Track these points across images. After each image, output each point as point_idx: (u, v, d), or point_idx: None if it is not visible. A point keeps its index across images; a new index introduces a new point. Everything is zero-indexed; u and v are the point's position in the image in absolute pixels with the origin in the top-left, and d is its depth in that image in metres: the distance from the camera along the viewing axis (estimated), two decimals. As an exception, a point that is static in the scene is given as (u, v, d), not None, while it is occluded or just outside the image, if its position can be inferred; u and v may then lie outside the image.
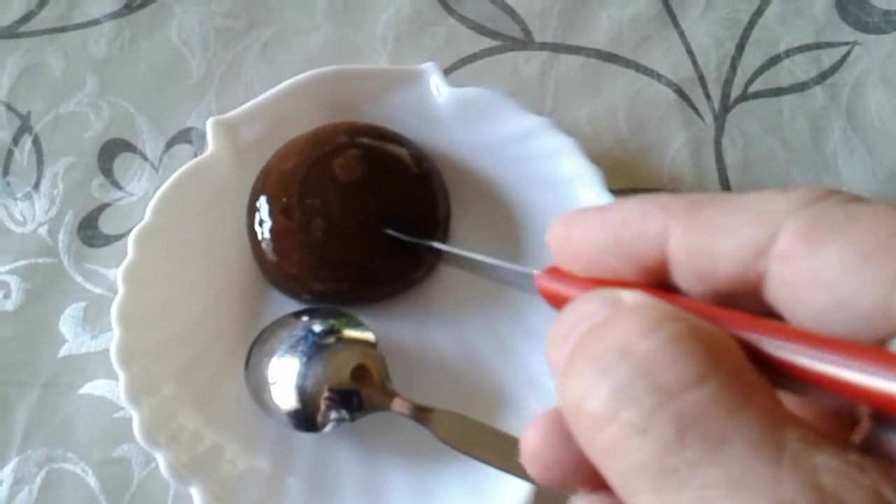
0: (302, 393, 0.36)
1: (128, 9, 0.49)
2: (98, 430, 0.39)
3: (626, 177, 0.44)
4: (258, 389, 0.37)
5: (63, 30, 0.49)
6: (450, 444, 0.34)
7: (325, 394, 0.36)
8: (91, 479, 0.38)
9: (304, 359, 0.37)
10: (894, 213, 0.15)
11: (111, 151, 0.45)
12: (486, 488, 0.35)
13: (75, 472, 0.38)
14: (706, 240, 0.17)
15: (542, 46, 0.47)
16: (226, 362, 0.38)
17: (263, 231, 0.39)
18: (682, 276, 0.17)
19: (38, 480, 0.38)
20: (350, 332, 0.38)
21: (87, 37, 0.48)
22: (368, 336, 0.38)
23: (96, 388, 0.40)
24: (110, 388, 0.40)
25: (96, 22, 0.49)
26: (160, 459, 0.34)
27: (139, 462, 0.38)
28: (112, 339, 0.35)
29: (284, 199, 0.39)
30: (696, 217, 0.17)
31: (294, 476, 0.36)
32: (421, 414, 0.35)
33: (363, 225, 0.39)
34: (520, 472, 0.32)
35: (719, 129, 0.45)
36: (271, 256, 0.39)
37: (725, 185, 0.43)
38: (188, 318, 0.38)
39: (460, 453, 0.34)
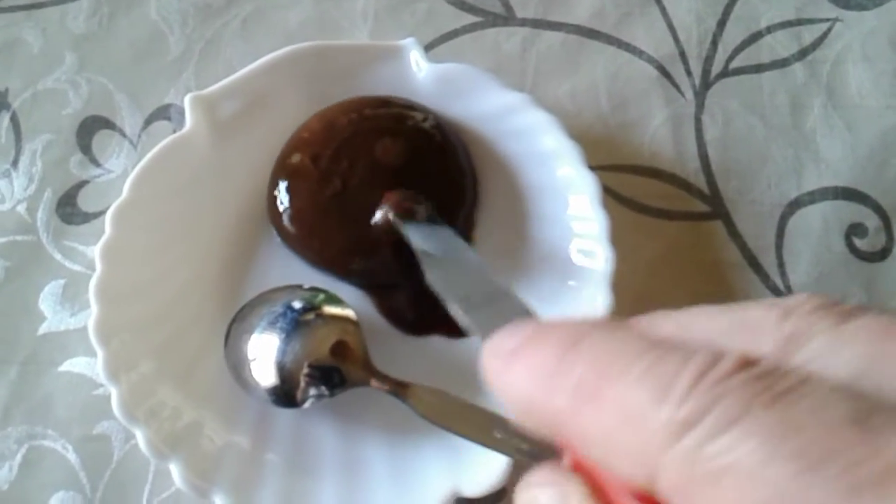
0: (281, 369, 0.36)
1: (106, -16, 0.48)
2: (78, 407, 0.39)
3: (607, 153, 0.44)
4: (237, 366, 0.37)
5: (41, 6, 0.48)
6: (428, 419, 0.34)
7: (305, 370, 0.36)
8: (71, 456, 0.38)
9: (284, 335, 0.37)
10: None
11: (90, 128, 0.45)
12: (464, 462, 0.35)
13: (55, 449, 0.39)
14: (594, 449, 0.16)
15: (524, 22, 0.47)
16: (205, 339, 0.38)
17: (287, 160, 0.40)
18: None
19: (19, 457, 0.38)
20: (330, 309, 0.38)
21: (65, 13, 0.48)
22: (349, 313, 0.38)
23: (76, 365, 0.40)
24: (90, 365, 0.40)
25: (74, -2, 0.48)
26: (139, 436, 0.34)
27: (119, 439, 0.39)
28: (90, 317, 0.35)
29: (321, 146, 0.40)
30: (579, 417, 0.16)
31: (274, 452, 0.36)
32: (400, 389, 0.35)
33: (371, 209, 0.39)
34: (497, 447, 0.33)
35: (699, 106, 0.45)
36: (280, 191, 0.40)
37: (705, 162, 0.44)
38: (167, 295, 0.38)
39: (439, 428, 0.34)
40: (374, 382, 0.36)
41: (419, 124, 0.41)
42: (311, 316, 0.37)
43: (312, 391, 0.36)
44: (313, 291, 0.38)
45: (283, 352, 0.36)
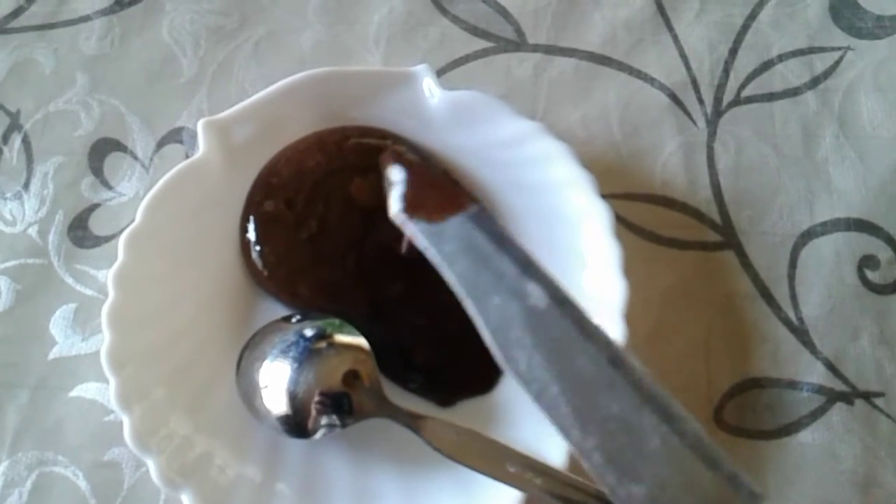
0: (293, 398, 0.36)
1: (119, 5, 0.48)
2: (88, 434, 0.39)
3: (619, 182, 0.44)
4: (249, 394, 0.37)
5: (53, 26, 0.48)
6: (442, 453, 0.34)
7: (316, 399, 0.36)
8: (82, 483, 0.38)
9: (296, 364, 0.36)
10: None
11: (101, 151, 0.45)
12: (476, 497, 0.35)
13: (66, 476, 0.38)
14: None
15: (536, 48, 0.47)
16: (217, 368, 0.38)
17: (261, 207, 0.40)
18: None
19: (29, 484, 0.38)
20: (342, 338, 0.38)
21: (77, 34, 0.48)
22: (361, 342, 0.38)
23: (87, 390, 0.40)
24: (101, 390, 0.40)
25: (87, 19, 0.48)
26: (151, 465, 0.34)
27: (130, 466, 0.38)
28: (102, 344, 0.35)
29: (294, 191, 0.40)
30: None
31: (284, 483, 0.36)
32: (413, 422, 0.35)
33: (349, 249, 0.40)
34: (511, 481, 0.33)
35: (711, 134, 0.45)
36: (255, 236, 0.40)
37: (717, 191, 0.44)
38: (179, 322, 0.38)
39: (452, 461, 0.34)
40: (386, 414, 0.36)
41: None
42: (322, 344, 0.37)
43: (324, 420, 0.36)
44: (326, 319, 0.38)
45: (294, 381, 0.36)
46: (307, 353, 0.37)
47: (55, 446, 0.39)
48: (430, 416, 0.35)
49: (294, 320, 0.38)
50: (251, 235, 0.40)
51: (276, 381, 0.36)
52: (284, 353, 0.37)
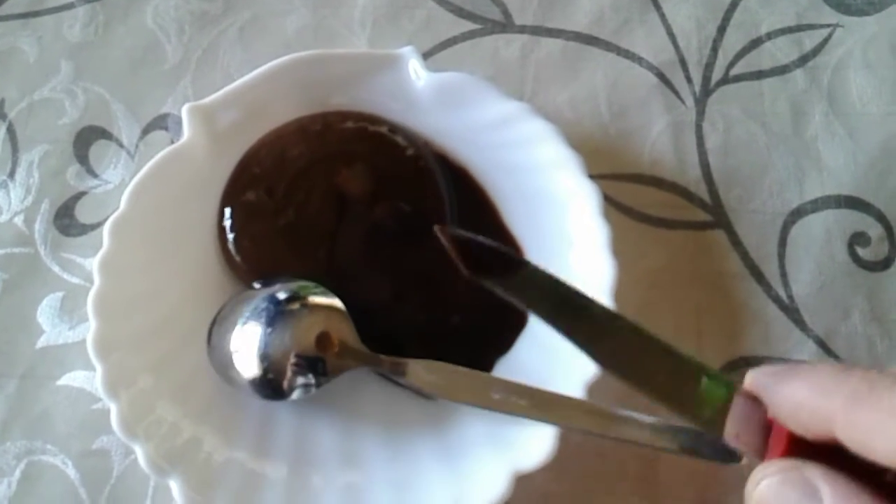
0: (268, 360, 0.36)
1: (102, -8, 0.48)
2: (77, 422, 0.39)
3: (607, 162, 0.43)
4: (224, 365, 0.37)
5: (36, 14, 0.48)
6: (427, 393, 0.36)
7: (292, 360, 0.36)
8: (71, 471, 0.38)
9: (268, 326, 0.36)
10: None
11: (87, 138, 0.45)
12: (465, 475, 0.35)
13: (55, 465, 0.38)
14: (862, 438, 0.20)
15: (523, 29, 0.47)
16: (203, 354, 0.37)
17: (241, 196, 0.40)
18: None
19: (17, 473, 0.38)
20: (315, 299, 0.37)
21: (60, 21, 0.47)
22: (335, 302, 0.37)
23: (74, 379, 0.40)
24: (88, 379, 0.40)
25: (70, 6, 0.48)
26: (139, 452, 0.34)
27: (119, 454, 0.38)
28: (89, 332, 0.35)
29: (275, 179, 0.40)
30: (853, 415, 0.21)
31: (274, 467, 0.36)
32: (395, 367, 0.36)
33: (321, 241, 0.39)
34: (497, 407, 0.35)
35: (700, 113, 0.45)
36: (231, 224, 0.39)
37: (706, 170, 0.43)
38: (165, 309, 0.38)
39: (439, 399, 0.36)
40: (366, 363, 0.36)
41: (381, 141, 0.41)
42: (296, 305, 0.37)
43: (300, 380, 0.36)
44: (298, 283, 0.38)
45: (268, 342, 0.36)
46: (280, 315, 0.36)
47: (43, 435, 0.39)
48: (410, 360, 0.36)
49: (264, 289, 0.38)
50: (227, 223, 0.40)
51: (249, 344, 0.36)
52: (257, 316, 0.37)
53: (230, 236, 0.39)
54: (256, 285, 0.38)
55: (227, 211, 0.40)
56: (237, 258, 0.39)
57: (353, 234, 0.40)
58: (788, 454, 0.25)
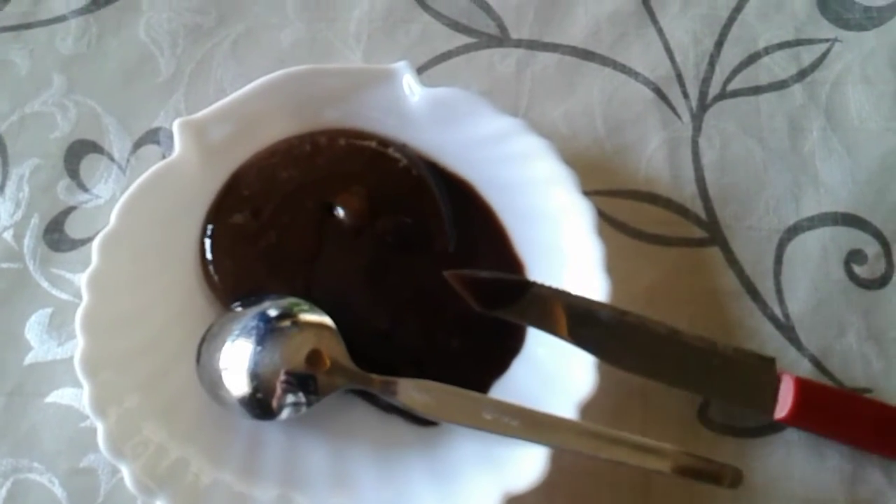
0: (258, 378, 0.36)
1: (95, 5, 0.48)
2: (64, 440, 0.39)
3: (602, 178, 0.43)
4: (214, 384, 0.36)
5: (28, 26, 0.47)
6: (418, 412, 0.35)
7: (282, 378, 0.35)
8: (58, 490, 0.38)
9: (258, 344, 0.36)
10: None
11: (78, 152, 0.44)
12: (450, 478, 0.35)
13: (42, 483, 0.38)
14: None
15: (518, 43, 0.47)
16: (192, 373, 0.37)
17: (227, 217, 0.40)
18: None
19: (4, 491, 0.38)
20: (306, 317, 0.37)
21: (53, 34, 0.47)
22: (325, 320, 0.37)
23: (62, 396, 0.39)
24: (76, 396, 0.39)
25: (62, 18, 0.48)
26: (125, 472, 0.34)
27: (106, 472, 0.38)
28: (77, 349, 0.35)
29: (262, 201, 0.40)
30: None
31: (262, 490, 0.35)
32: (386, 387, 0.36)
33: (299, 269, 0.39)
34: (489, 427, 0.35)
35: (696, 129, 0.44)
36: (212, 245, 0.39)
37: (702, 186, 0.43)
38: (154, 326, 0.37)
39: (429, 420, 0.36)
40: (357, 383, 0.36)
41: (373, 156, 0.41)
42: (286, 323, 0.37)
43: (290, 399, 0.35)
44: (288, 300, 0.38)
45: (258, 361, 0.36)
46: (270, 333, 0.36)
47: (30, 453, 0.38)
48: (401, 378, 0.36)
49: (253, 306, 0.38)
50: (208, 243, 0.39)
51: (238, 362, 0.36)
52: (246, 334, 0.36)
53: (210, 256, 0.39)
54: (237, 307, 0.38)
55: (209, 230, 0.39)
56: (216, 279, 0.39)
57: (343, 260, 0.39)
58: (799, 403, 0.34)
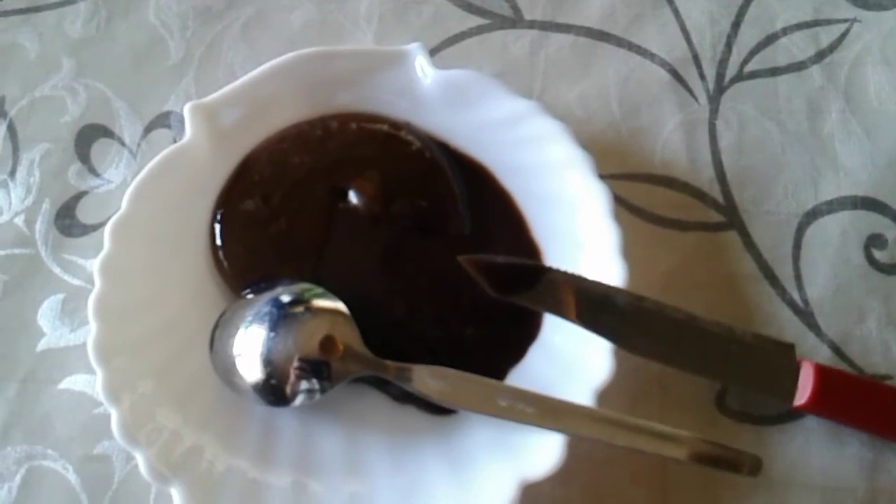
0: (271, 364, 0.35)
1: (103, -13, 0.47)
2: (78, 427, 0.38)
3: (618, 162, 0.42)
4: (227, 370, 0.36)
5: (37, 10, 0.47)
6: (433, 399, 0.35)
7: (296, 364, 0.35)
8: (72, 477, 0.38)
9: (272, 330, 0.36)
10: None
11: (88, 137, 0.44)
12: (469, 481, 0.35)
13: (55, 470, 0.38)
14: None
15: (532, 24, 0.46)
16: (206, 359, 0.37)
17: (237, 203, 0.39)
18: None
19: (18, 478, 0.38)
20: (319, 302, 0.37)
21: (62, 17, 0.47)
22: (339, 306, 0.37)
23: (75, 382, 0.39)
24: (90, 382, 0.39)
25: (71, 1, 0.47)
26: (139, 458, 0.33)
27: (120, 459, 0.38)
28: (89, 335, 0.34)
29: (273, 187, 0.39)
30: None
31: (276, 476, 0.35)
32: (401, 373, 0.35)
33: (307, 257, 0.39)
34: (504, 414, 0.34)
35: (713, 111, 0.44)
36: (222, 231, 0.39)
37: (719, 170, 0.42)
38: (167, 312, 0.37)
39: (444, 406, 0.36)
40: (371, 370, 0.36)
41: (386, 140, 0.40)
42: (300, 309, 0.37)
43: (304, 385, 0.35)
44: (301, 286, 0.37)
45: (271, 347, 0.35)
46: (284, 319, 0.36)
47: (44, 440, 0.38)
48: (416, 365, 0.35)
49: (267, 292, 0.38)
50: (217, 229, 0.39)
51: (251, 349, 0.36)
52: (260, 320, 0.36)
53: (219, 242, 0.39)
54: (248, 294, 0.38)
55: (219, 216, 0.39)
56: (225, 265, 0.39)
57: (356, 246, 0.39)
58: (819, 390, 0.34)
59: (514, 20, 0.46)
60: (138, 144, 0.44)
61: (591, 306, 0.35)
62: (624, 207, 0.41)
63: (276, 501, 0.34)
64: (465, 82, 0.39)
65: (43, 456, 0.38)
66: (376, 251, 0.39)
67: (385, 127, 0.41)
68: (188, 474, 0.34)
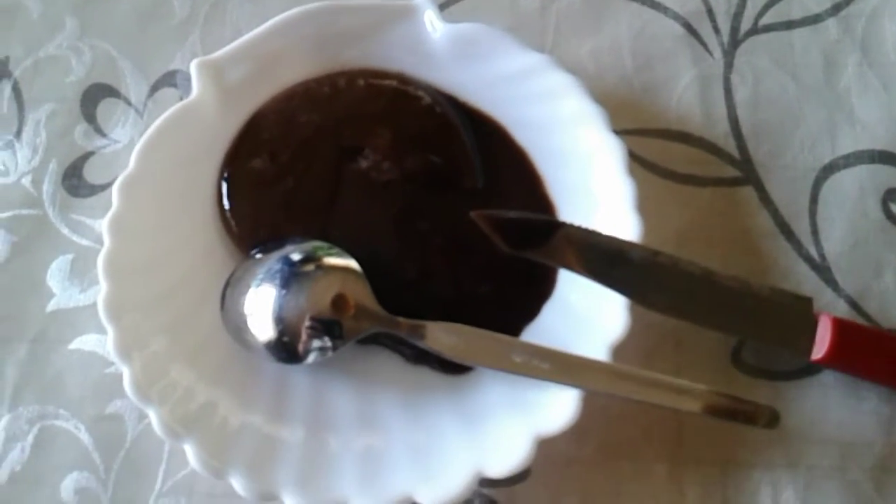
0: (283, 322, 0.35)
1: (106, -56, 0.46)
2: (89, 386, 0.38)
3: (632, 117, 0.42)
4: (239, 329, 0.36)
5: (39, -32, 0.46)
6: (446, 356, 0.35)
7: (307, 322, 0.35)
8: (84, 436, 0.38)
9: (283, 288, 0.35)
10: None
11: (94, 96, 0.44)
12: (486, 442, 0.34)
13: (68, 429, 0.38)
14: None
15: (543, -22, 0.45)
16: (217, 316, 0.36)
17: (244, 162, 0.39)
18: None
19: (31, 438, 0.38)
20: (331, 260, 0.37)
21: (64, -25, 0.46)
22: (350, 263, 0.36)
23: (86, 342, 0.39)
24: (100, 342, 0.39)
25: (73, -40, 0.46)
26: (152, 416, 0.33)
27: (132, 418, 0.38)
28: (99, 293, 0.34)
29: (281, 145, 0.39)
30: None
31: (289, 430, 0.35)
32: (414, 330, 0.35)
33: (315, 216, 0.38)
34: (519, 371, 0.34)
35: (728, 65, 0.43)
36: (229, 190, 0.39)
37: (735, 124, 0.42)
38: (177, 270, 0.37)
39: (458, 363, 0.36)
40: (384, 327, 0.35)
41: (395, 95, 0.40)
42: (311, 266, 0.36)
43: (316, 343, 0.35)
44: (313, 243, 0.37)
45: (283, 305, 0.35)
46: (295, 277, 0.36)
47: (56, 400, 0.38)
48: (429, 322, 0.35)
49: (278, 250, 0.37)
50: (224, 189, 0.39)
51: (263, 307, 0.35)
52: (271, 278, 0.36)
53: (226, 202, 0.38)
54: (256, 254, 0.37)
55: (226, 175, 0.39)
56: (232, 224, 0.38)
57: (366, 204, 0.38)
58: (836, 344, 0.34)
59: (525, -27, 0.45)
60: (144, 104, 0.43)
61: (606, 261, 0.34)
62: (638, 163, 0.41)
63: (290, 455, 0.34)
64: (475, 36, 0.38)
65: (55, 416, 0.38)
66: (388, 209, 0.38)
67: (394, 83, 0.40)
68: (202, 430, 0.34)
